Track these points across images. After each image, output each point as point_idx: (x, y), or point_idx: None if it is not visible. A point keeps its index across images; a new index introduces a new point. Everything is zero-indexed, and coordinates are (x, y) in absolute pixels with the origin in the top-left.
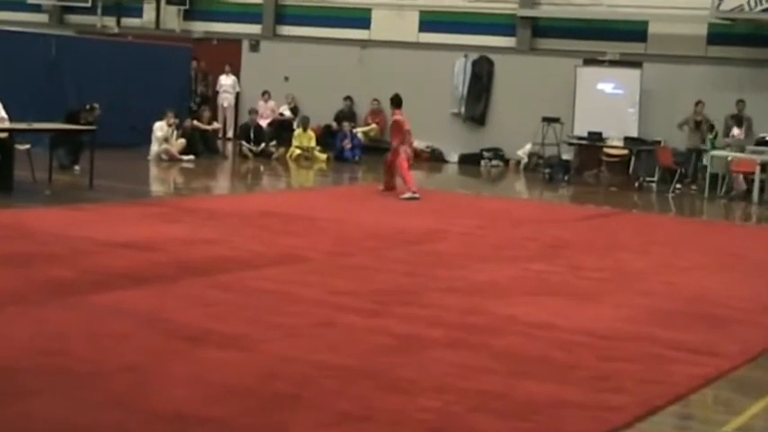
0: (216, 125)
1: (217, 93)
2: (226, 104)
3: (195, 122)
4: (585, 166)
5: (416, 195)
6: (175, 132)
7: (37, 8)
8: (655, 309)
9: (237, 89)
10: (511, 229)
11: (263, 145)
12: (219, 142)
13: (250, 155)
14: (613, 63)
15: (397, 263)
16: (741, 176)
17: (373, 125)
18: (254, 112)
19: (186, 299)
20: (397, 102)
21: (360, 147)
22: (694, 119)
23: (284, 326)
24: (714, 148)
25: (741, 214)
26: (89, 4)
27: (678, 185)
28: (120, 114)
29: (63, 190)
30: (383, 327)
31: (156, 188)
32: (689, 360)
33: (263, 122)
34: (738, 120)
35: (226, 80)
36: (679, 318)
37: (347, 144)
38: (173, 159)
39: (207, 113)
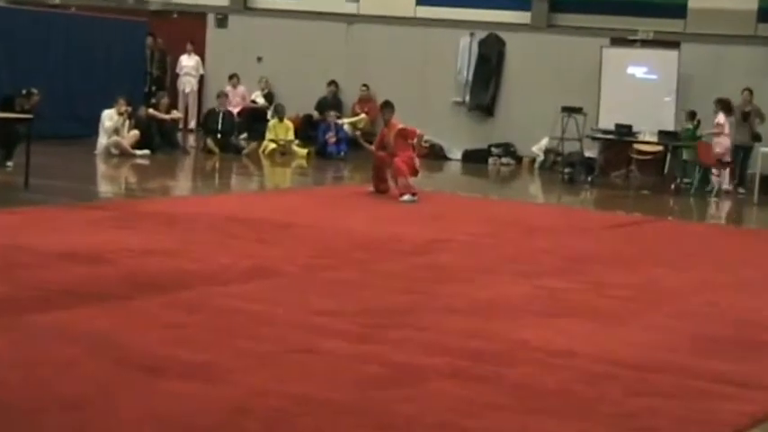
0: (176, 114)
1: (177, 76)
2: (187, 90)
3: (151, 111)
4: (612, 166)
5: (415, 198)
6: (128, 122)
7: None
8: (693, 334)
9: (201, 72)
10: (523, 239)
11: (232, 138)
12: (180, 134)
13: (216, 149)
14: (646, 43)
15: (390, 278)
16: None
17: (362, 115)
18: (222, 95)
19: (141, 320)
20: (391, 108)
21: (346, 141)
22: (742, 109)
23: (256, 352)
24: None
25: None
26: None
27: (723, 188)
28: (62, 101)
29: None
30: (373, 354)
31: (104, 188)
32: (734, 395)
33: (233, 111)
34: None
35: (187, 61)
36: (722, 345)
37: (331, 137)
38: (124, 154)
39: (165, 100)
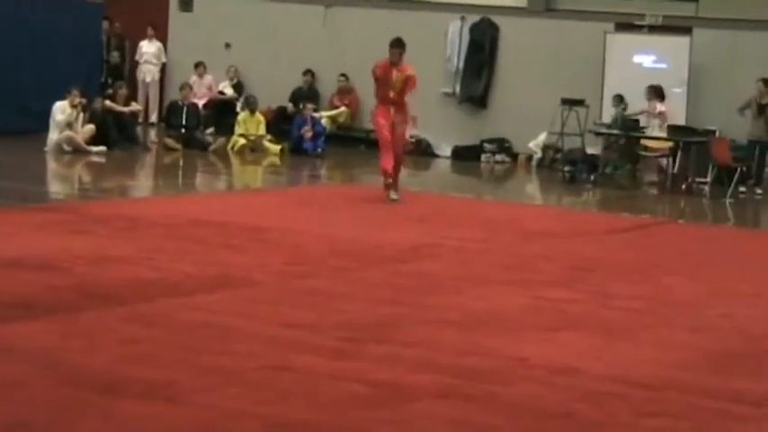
0: (135, 106)
1: (137, 64)
2: (148, 79)
3: (108, 103)
4: (618, 163)
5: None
6: (81, 116)
7: None
8: (707, 349)
9: (163, 59)
10: (520, 245)
11: (197, 133)
12: (139, 129)
13: (178, 147)
14: (654, 29)
15: (373, 287)
16: None
17: (342, 108)
18: (186, 87)
19: (96, 335)
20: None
21: (324, 135)
22: (759, 101)
23: (223, 370)
24: None
25: None
26: None
27: (739, 188)
28: (8, 92)
29: None
30: (354, 371)
31: (55, 188)
32: (752, 416)
33: (198, 103)
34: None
35: (148, 47)
36: (740, 361)
37: (307, 132)
38: (78, 150)
39: (123, 91)
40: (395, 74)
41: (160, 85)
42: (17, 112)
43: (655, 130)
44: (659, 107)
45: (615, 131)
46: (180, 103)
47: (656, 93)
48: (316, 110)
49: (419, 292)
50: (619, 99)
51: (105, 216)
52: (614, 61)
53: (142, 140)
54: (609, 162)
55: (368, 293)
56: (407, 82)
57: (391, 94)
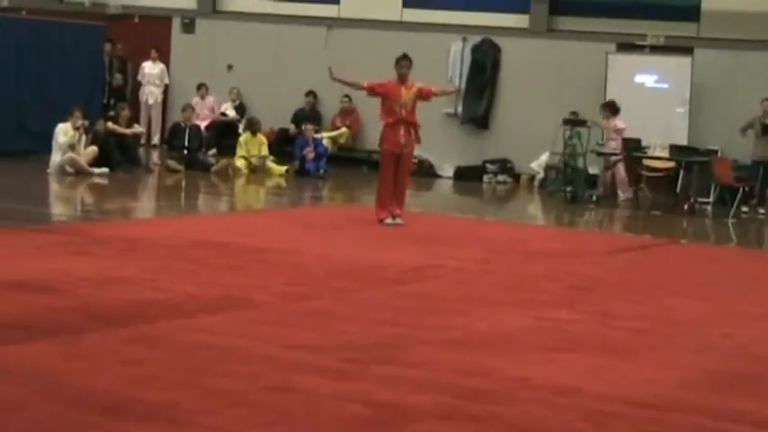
0: (137, 128)
1: (139, 84)
2: (151, 101)
3: (110, 125)
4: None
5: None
6: (84, 137)
7: None
8: (712, 370)
9: (166, 81)
10: (522, 265)
11: (199, 155)
12: (141, 150)
13: (180, 168)
14: (656, 49)
15: (374, 308)
16: None
17: (343, 129)
18: (189, 108)
19: (98, 357)
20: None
21: (326, 156)
22: (762, 121)
23: (226, 391)
24: None
25: None
26: None
27: (742, 208)
28: (11, 114)
29: None
30: (356, 392)
31: (58, 210)
32: None
33: (201, 124)
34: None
35: (151, 69)
36: (744, 381)
37: (309, 153)
38: (81, 172)
39: (125, 113)
40: (403, 92)
41: (162, 107)
42: (18, 133)
43: (657, 149)
44: (616, 123)
45: (610, 152)
46: (182, 124)
47: (611, 109)
48: (317, 131)
49: (421, 312)
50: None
51: (107, 237)
52: (616, 81)
53: (144, 162)
54: (549, 183)
55: (370, 314)
56: (420, 95)
57: (403, 113)
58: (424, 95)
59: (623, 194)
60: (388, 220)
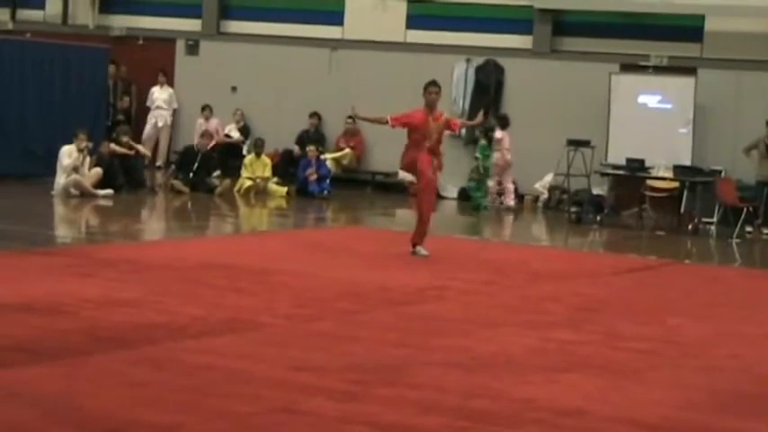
0: (141, 149)
1: (147, 109)
2: (160, 123)
3: (112, 146)
4: (624, 204)
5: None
6: (88, 159)
7: None
8: (716, 390)
9: (175, 105)
10: (527, 286)
11: (214, 178)
12: (146, 172)
13: (186, 189)
14: (659, 69)
15: (380, 329)
16: None
17: (347, 150)
18: (207, 135)
19: (103, 379)
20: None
21: (329, 178)
22: (766, 142)
23: (231, 413)
24: None
25: None
26: None
27: (746, 228)
28: (16, 136)
29: None
30: (361, 414)
31: (62, 232)
32: None
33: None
34: None
35: (160, 93)
36: (749, 402)
37: (312, 174)
38: (85, 194)
39: (125, 137)
40: (431, 122)
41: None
42: (23, 155)
43: (660, 170)
44: (497, 135)
45: (619, 172)
46: (196, 148)
47: (501, 122)
48: (321, 152)
49: (426, 334)
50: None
51: (112, 259)
52: (619, 102)
53: (150, 184)
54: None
55: (375, 336)
56: (447, 126)
57: (427, 144)
58: (451, 127)
59: (509, 203)
60: (423, 252)
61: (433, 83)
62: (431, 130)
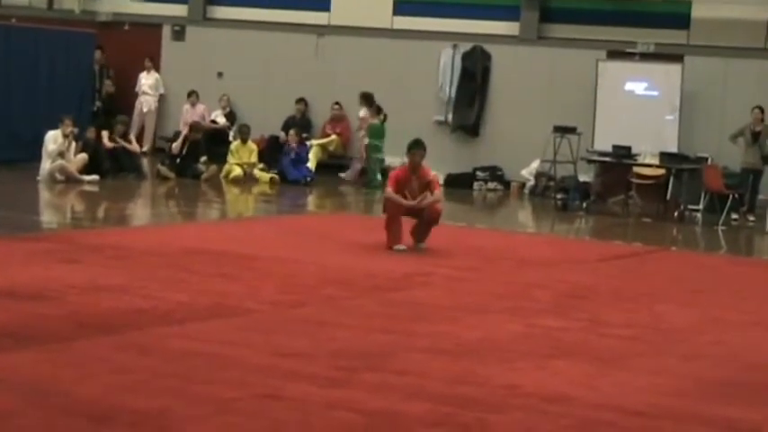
0: (134, 146)
1: (136, 95)
2: (145, 109)
3: (106, 141)
4: (610, 191)
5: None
6: (74, 145)
7: None
8: (701, 377)
9: (161, 90)
10: (513, 273)
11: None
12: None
13: (171, 175)
14: (646, 56)
15: (365, 316)
16: None
17: (333, 136)
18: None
19: (87, 365)
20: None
21: (306, 161)
22: (752, 129)
23: (216, 399)
24: None
25: None
26: None
27: (731, 216)
28: (1, 122)
29: None
30: (346, 400)
31: (47, 218)
32: None
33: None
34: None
35: (146, 79)
36: (735, 389)
37: (292, 147)
38: (71, 180)
39: (121, 126)
40: (414, 181)
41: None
42: (8, 141)
43: (647, 157)
44: (361, 113)
45: (606, 159)
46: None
47: (366, 100)
48: (307, 138)
49: (412, 320)
50: (378, 110)
51: (97, 245)
52: (606, 89)
53: (145, 170)
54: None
55: (360, 322)
56: (429, 186)
57: (408, 196)
58: (430, 189)
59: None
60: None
61: (415, 144)
62: (412, 186)
